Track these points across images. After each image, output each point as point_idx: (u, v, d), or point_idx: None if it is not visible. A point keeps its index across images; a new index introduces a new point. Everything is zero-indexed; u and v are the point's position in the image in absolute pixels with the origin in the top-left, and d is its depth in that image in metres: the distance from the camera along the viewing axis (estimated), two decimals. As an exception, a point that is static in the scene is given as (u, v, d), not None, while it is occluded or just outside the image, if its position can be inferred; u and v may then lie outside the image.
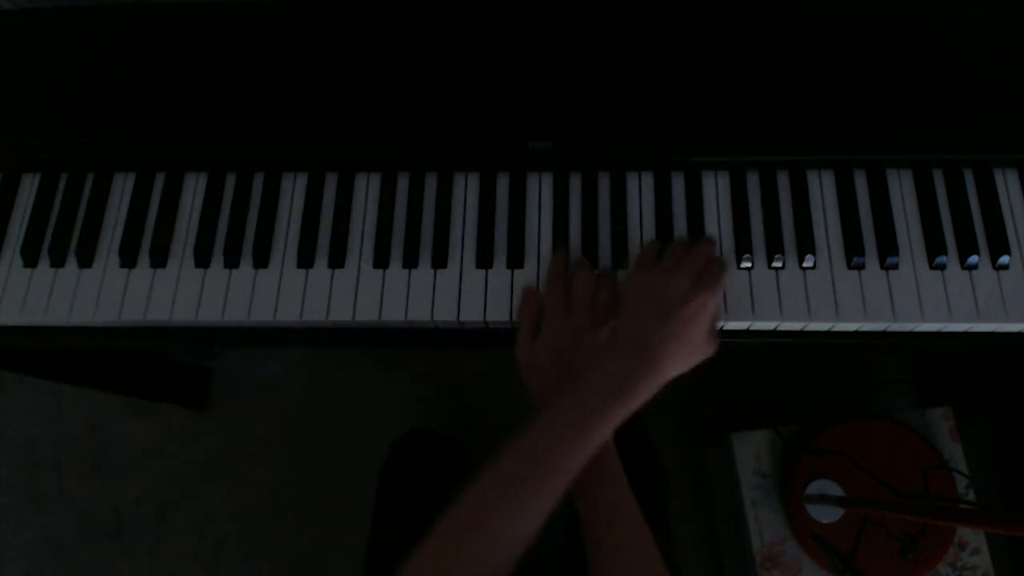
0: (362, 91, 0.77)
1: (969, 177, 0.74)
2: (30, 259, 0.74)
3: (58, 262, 0.74)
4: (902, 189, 0.74)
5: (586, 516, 0.64)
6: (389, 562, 0.91)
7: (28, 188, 0.78)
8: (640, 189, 0.74)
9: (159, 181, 0.77)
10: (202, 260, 0.73)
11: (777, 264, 0.71)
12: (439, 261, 0.72)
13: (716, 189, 0.74)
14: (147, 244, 0.74)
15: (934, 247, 0.71)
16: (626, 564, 0.62)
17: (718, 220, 0.73)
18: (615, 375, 0.62)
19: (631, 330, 0.65)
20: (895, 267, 0.71)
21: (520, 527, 0.59)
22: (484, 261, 0.72)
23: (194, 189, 0.77)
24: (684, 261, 0.67)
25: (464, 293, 0.71)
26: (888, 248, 0.71)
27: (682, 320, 0.63)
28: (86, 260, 0.74)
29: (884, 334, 0.72)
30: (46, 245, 0.75)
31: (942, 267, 0.71)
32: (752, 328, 0.72)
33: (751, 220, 0.73)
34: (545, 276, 0.71)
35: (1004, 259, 0.70)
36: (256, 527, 1.51)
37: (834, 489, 1.03)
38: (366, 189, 0.75)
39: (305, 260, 0.73)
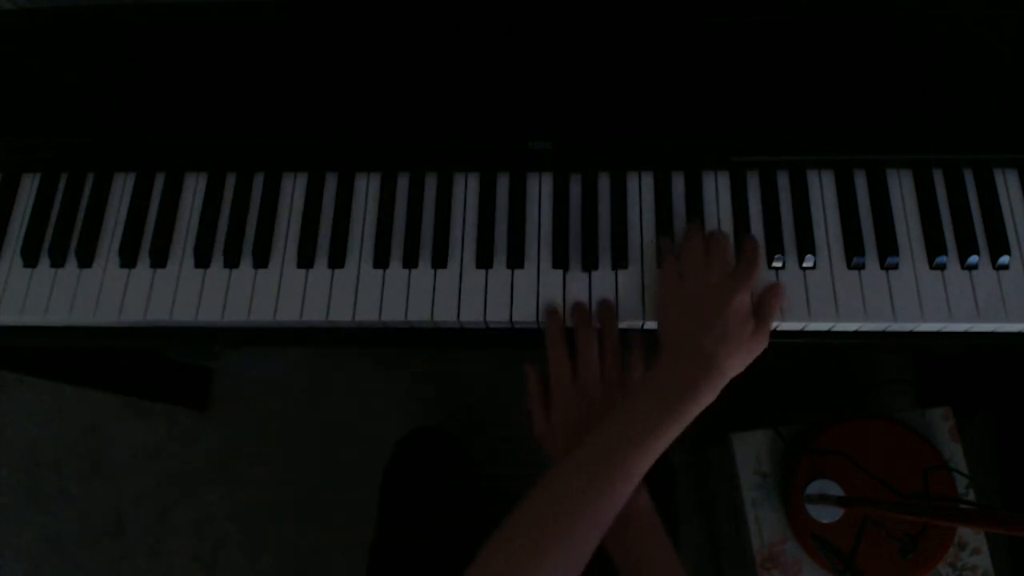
0: (362, 91, 0.77)
1: (969, 177, 0.74)
2: (30, 259, 0.74)
3: (58, 262, 0.74)
4: (902, 189, 0.74)
5: (621, 563, 0.63)
6: (393, 560, 0.91)
7: (28, 188, 0.78)
8: (640, 189, 0.74)
9: (159, 181, 0.77)
10: (202, 260, 0.73)
11: (777, 264, 0.71)
12: (439, 261, 0.72)
13: (716, 189, 0.74)
14: (147, 244, 0.74)
15: (934, 247, 0.71)
16: None
17: (718, 220, 0.73)
18: (669, 384, 0.61)
19: (678, 340, 0.63)
20: (895, 267, 0.71)
21: (584, 541, 0.57)
22: (484, 261, 0.72)
23: (194, 189, 0.77)
24: (712, 259, 0.65)
25: (464, 293, 0.71)
26: (888, 248, 0.71)
27: (728, 320, 0.62)
28: (86, 260, 0.74)
29: (884, 334, 0.72)
30: (46, 245, 0.75)
31: (942, 267, 0.71)
32: (752, 328, 0.71)
33: (751, 220, 0.73)
34: (547, 271, 0.71)
35: (1004, 259, 0.70)
36: (256, 527, 1.51)
37: (834, 489, 1.03)
38: (366, 189, 0.75)
39: (305, 260, 0.73)
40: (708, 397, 0.62)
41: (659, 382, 0.62)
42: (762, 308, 0.66)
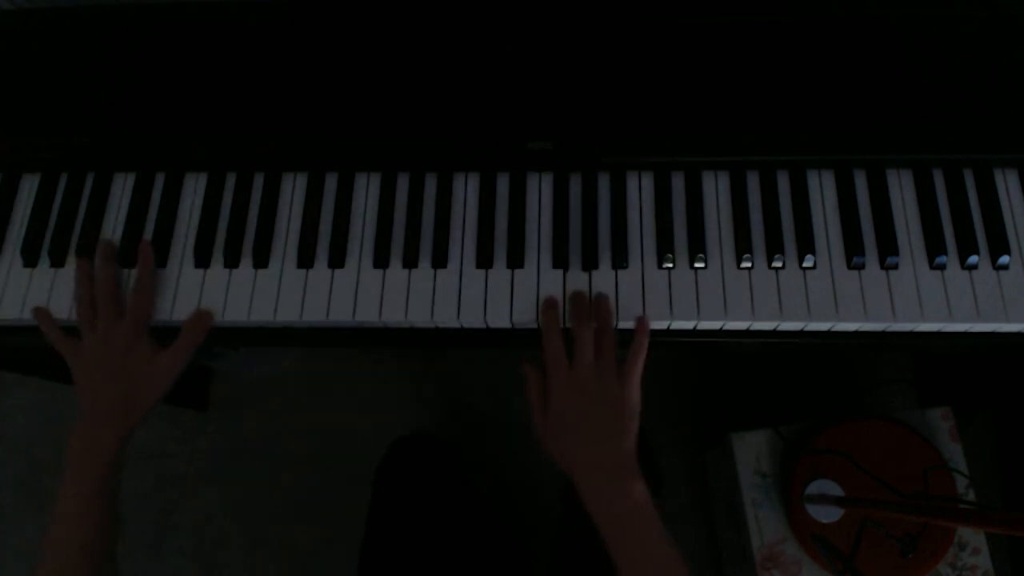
0: (362, 91, 0.77)
1: (969, 177, 0.74)
2: (30, 259, 0.74)
3: (58, 262, 0.74)
4: (902, 189, 0.74)
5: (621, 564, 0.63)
6: (382, 562, 0.91)
7: (28, 188, 0.78)
8: (640, 189, 0.74)
9: (159, 181, 0.77)
10: (202, 260, 0.73)
11: (777, 264, 0.71)
12: (439, 261, 0.72)
13: (716, 189, 0.74)
14: (147, 244, 0.74)
15: (934, 247, 0.71)
16: None
17: (718, 220, 0.73)
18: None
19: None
20: (895, 267, 0.71)
21: None
22: (484, 261, 0.72)
23: (194, 189, 0.77)
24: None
25: (464, 293, 0.71)
26: (888, 248, 0.71)
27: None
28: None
29: (884, 334, 0.72)
30: (46, 245, 0.75)
31: (942, 267, 0.71)
32: (752, 328, 0.72)
33: (751, 220, 0.73)
34: (547, 270, 0.71)
35: (1004, 259, 0.70)
36: (256, 527, 1.51)
37: (834, 489, 1.03)
38: (366, 189, 0.75)
39: (305, 260, 0.73)
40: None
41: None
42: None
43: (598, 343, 0.67)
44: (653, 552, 0.62)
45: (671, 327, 0.72)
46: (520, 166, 0.75)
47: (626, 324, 0.70)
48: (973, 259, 0.70)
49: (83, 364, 0.69)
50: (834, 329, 0.71)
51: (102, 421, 0.68)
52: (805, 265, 0.71)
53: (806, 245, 0.71)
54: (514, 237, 0.72)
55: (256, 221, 0.75)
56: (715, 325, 0.71)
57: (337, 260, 0.73)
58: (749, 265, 0.71)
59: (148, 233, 0.75)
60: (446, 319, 0.71)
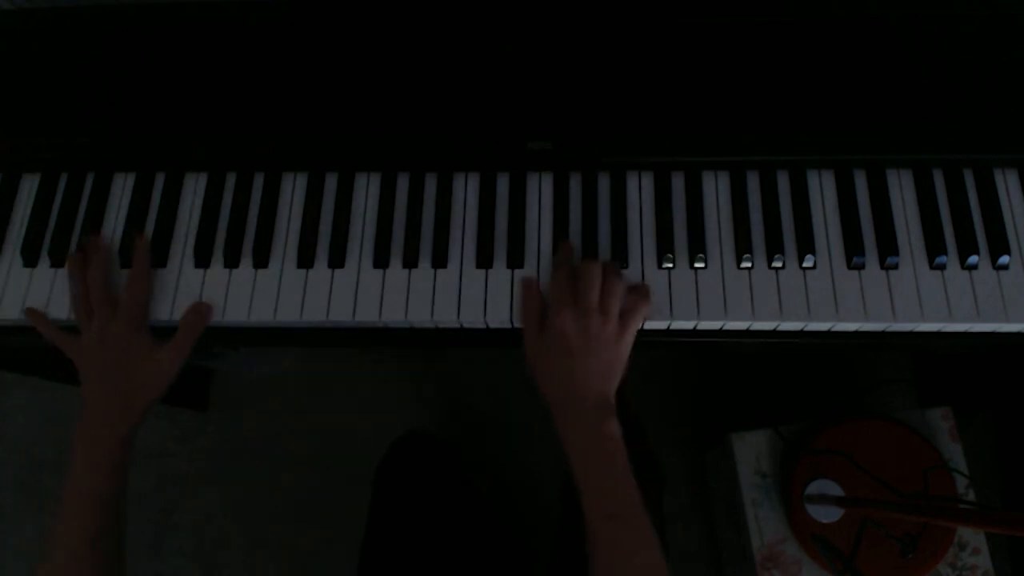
0: (362, 91, 0.77)
1: (969, 177, 0.74)
2: (30, 259, 0.74)
3: (58, 262, 0.74)
4: (902, 189, 0.74)
5: (587, 509, 0.64)
6: (382, 562, 0.91)
7: (28, 188, 0.78)
8: (640, 189, 0.74)
9: (159, 181, 0.77)
10: (202, 260, 0.73)
11: (777, 264, 0.71)
12: (439, 261, 0.72)
13: (716, 189, 0.74)
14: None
15: (934, 247, 0.71)
16: (623, 562, 0.62)
17: (718, 220, 0.73)
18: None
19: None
20: (895, 267, 0.71)
21: None
22: (484, 261, 0.72)
23: (194, 189, 0.77)
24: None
25: (464, 293, 0.71)
26: (888, 248, 0.71)
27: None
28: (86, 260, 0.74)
29: (884, 334, 0.72)
30: (46, 245, 0.75)
31: (942, 267, 0.71)
32: (752, 328, 0.72)
33: (751, 220, 0.73)
34: (547, 270, 0.71)
35: (1004, 259, 0.70)
36: (256, 527, 1.51)
37: (834, 489, 1.03)
38: (366, 189, 0.75)
39: (305, 260, 0.73)
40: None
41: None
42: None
43: (605, 286, 0.68)
44: (620, 482, 0.64)
45: (671, 327, 0.72)
46: (520, 166, 0.75)
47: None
48: (973, 259, 0.70)
49: (84, 361, 0.69)
50: (834, 329, 0.71)
51: (102, 418, 0.68)
52: (805, 265, 0.71)
53: (806, 245, 0.71)
54: (514, 237, 0.72)
55: (256, 221, 0.75)
56: (715, 325, 0.71)
57: (337, 260, 0.73)
58: (749, 265, 0.71)
59: (148, 233, 0.75)
60: (446, 319, 0.71)
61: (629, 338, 0.68)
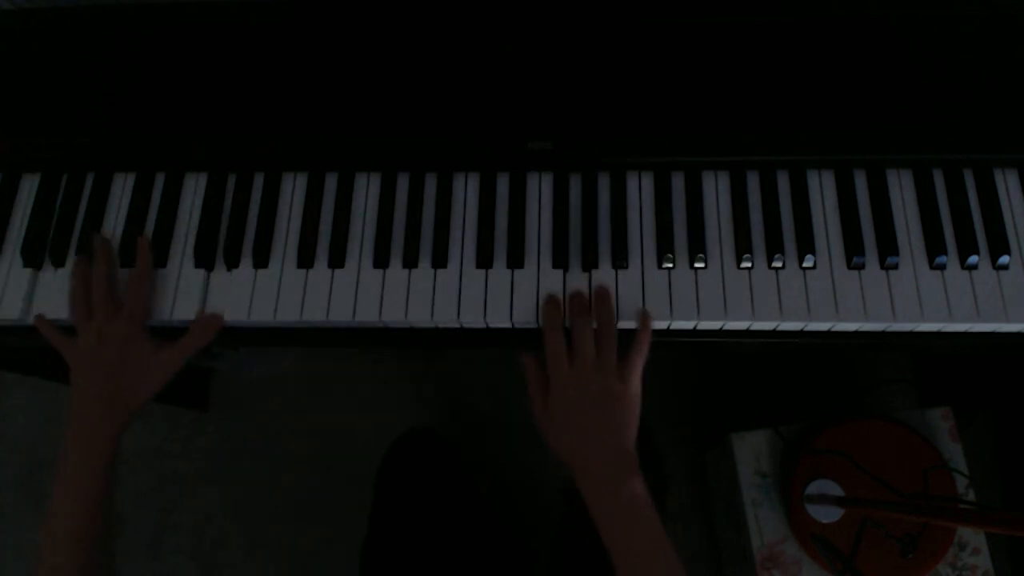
0: (362, 91, 0.77)
1: (969, 177, 0.74)
2: (30, 259, 0.74)
3: (58, 262, 0.74)
4: (902, 189, 0.74)
5: (618, 570, 0.63)
6: (383, 561, 0.91)
7: (28, 188, 0.78)
8: (640, 189, 0.74)
9: (159, 181, 0.77)
10: (202, 260, 0.73)
11: (777, 264, 0.71)
12: (439, 261, 0.72)
13: (716, 189, 0.74)
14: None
15: (934, 247, 0.71)
16: None
17: (718, 220, 0.73)
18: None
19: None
20: (895, 267, 0.71)
21: None
22: (484, 261, 0.72)
23: (194, 189, 0.77)
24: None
25: (464, 293, 0.71)
26: (888, 248, 0.71)
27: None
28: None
29: (884, 334, 0.72)
30: (46, 245, 0.75)
31: (942, 267, 0.71)
32: (752, 328, 0.72)
33: (751, 220, 0.73)
34: (547, 270, 0.71)
35: (1004, 259, 0.70)
36: (256, 527, 1.51)
37: (834, 489, 1.03)
38: (366, 189, 0.75)
39: (305, 260, 0.73)
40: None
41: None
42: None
43: (599, 339, 0.67)
44: (651, 549, 0.63)
45: (671, 327, 0.72)
46: (520, 166, 0.75)
47: (626, 324, 0.70)
48: (973, 259, 0.70)
49: (78, 360, 0.69)
50: (834, 329, 0.71)
51: (96, 418, 0.67)
52: (805, 265, 0.71)
53: (806, 245, 0.71)
54: (514, 237, 0.72)
55: (256, 221, 0.75)
56: (715, 325, 0.71)
57: (337, 260, 0.73)
58: (749, 265, 0.71)
59: (148, 233, 0.75)
60: (446, 319, 0.71)
61: (634, 385, 0.67)
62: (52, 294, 0.73)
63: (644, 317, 0.69)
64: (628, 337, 0.69)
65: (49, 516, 0.65)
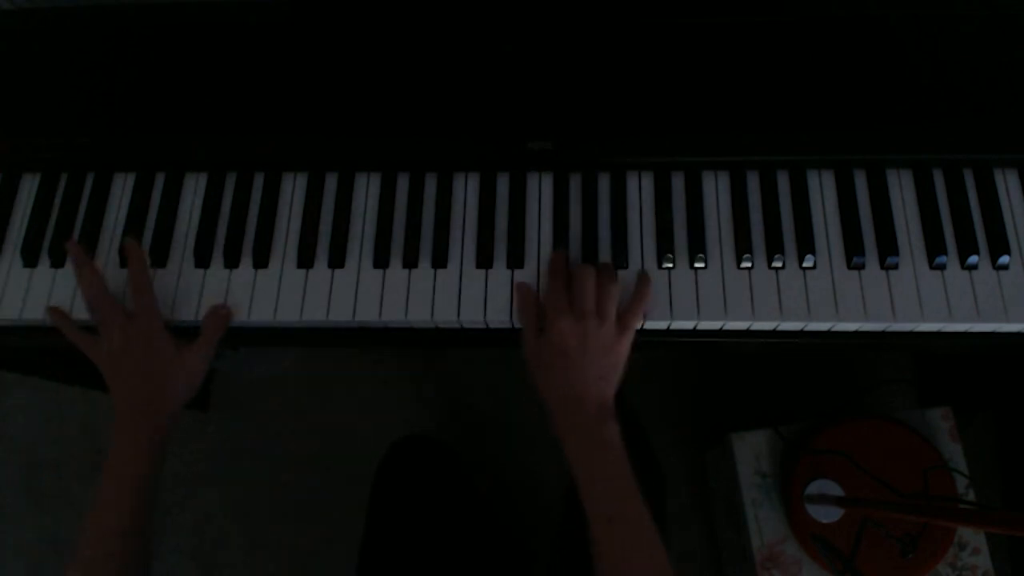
0: (362, 91, 0.77)
1: (969, 177, 0.74)
2: (30, 259, 0.74)
3: (58, 262, 0.74)
4: (902, 189, 0.74)
5: (589, 512, 0.64)
6: (382, 562, 0.91)
7: (28, 188, 0.78)
8: (640, 189, 0.74)
9: (159, 181, 0.77)
10: (202, 260, 0.73)
11: (777, 264, 0.71)
12: (439, 261, 0.72)
13: (716, 189, 0.74)
14: (147, 244, 0.74)
15: (934, 247, 0.71)
16: (625, 563, 0.62)
17: (718, 220, 0.73)
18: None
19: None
20: (895, 267, 0.71)
21: None
22: (484, 261, 0.72)
23: (194, 189, 0.77)
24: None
25: (464, 293, 0.71)
26: (888, 248, 0.71)
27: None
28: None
29: (884, 334, 0.72)
30: (46, 245, 0.75)
31: (942, 267, 0.71)
32: (752, 328, 0.72)
33: (751, 220, 0.73)
34: (545, 273, 0.71)
35: (1004, 259, 0.70)
36: (256, 527, 1.51)
37: (834, 489, 1.03)
38: (366, 189, 0.75)
39: (305, 260, 0.73)
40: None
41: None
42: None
43: (600, 291, 0.68)
44: (620, 485, 0.64)
45: (671, 327, 0.72)
46: (520, 166, 0.75)
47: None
48: (973, 259, 0.70)
49: (112, 364, 0.69)
50: (834, 329, 0.71)
51: (130, 421, 0.67)
52: (805, 265, 0.71)
53: (806, 245, 0.71)
54: (514, 237, 0.72)
55: (256, 221, 0.75)
56: (715, 325, 0.71)
57: (337, 260, 0.73)
58: (749, 265, 0.71)
59: (148, 233, 0.75)
60: (446, 319, 0.71)
61: (627, 340, 0.68)
62: (53, 294, 0.73)
63: (643, 276, 0.70)
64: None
65: (91, 515, 0.65)
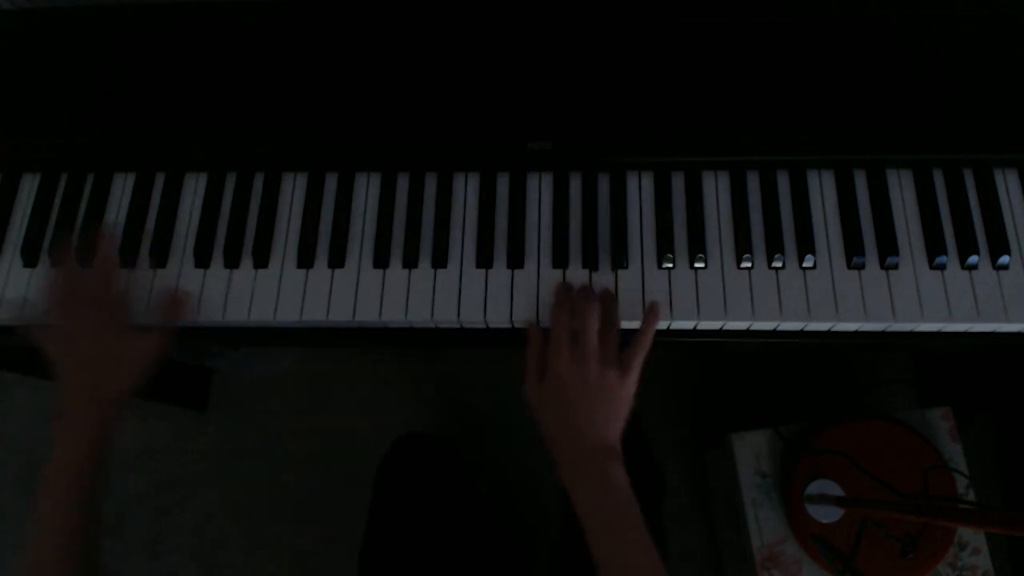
0: (362, 91, 0.77)
1: (969, 177, 0.74)
2: (30, 259, 0.74)
3: (58, 262, 0.74)
4: (902, 189, 0.74)
5: (598, 559, 0.63)
6: (382, 561, 0.91)
7: (28, 188, 0.78)
8: (640, 189, 0.74)
9: (159, 181, 0.77)
10: (202, 260, 0.73)
11: (777, 264, 0.71)
12: (439, 261, 0.72)
13: (716, 189, 0.74)
14: (147, 244, 0.74)
15: (934, 247, 0.71)
16: None
17: (718, 220, 0.73)
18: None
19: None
20: (895, 267, 0.71)
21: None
22: (484, 261, 0.72)
23: (194, 189, 0.77)
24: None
25: (464, 293, 0.71)
26: (888, 248, 0.71)
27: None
28: (85, 260, 0.74)
29: (884, 334, 0.72)
30: (46, 245, 0.75)
31: (942, 267, 0.71)
32: (752, 328, 0.72)
33: (751, 220, 0.73)
34: (547, 270, 0.71)
35: (1004, 259, 0.70)
36: (256, 527, 1.51)
37: (834, 489, 1.03)
38: (366, 189, 0.75)
39: (305, 260, 0.73)
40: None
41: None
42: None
43: (602, 331, 0.67)
44: (632, 539, 0.62)
45: (671, 327, 0.72)
46: (520, 166, 0.75)
47: (626, 324, 0.70)
48: (973, 259, 0.70)
49: (53, 355, 0.68)
50: (834, 329, 0.71)
51: (74, 409, 0.66)
52: (805, 265, 0.71)
53: (806, 245, 0.71)
54: (514, 237, 0.72)
55: (256, 221, 0.75)
56: (715, 325, 0.71)
57: (337, 260, 0.73)
58: (749, 265, 0.71)
59: (148, 233, 0.75)
60: (446, 319, 0.71)
61: (631, 381, 0.67)
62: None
63: (653, 307, 0.68)
64: (626, 340, 0.69)
65: (36, 518, 0.64)
